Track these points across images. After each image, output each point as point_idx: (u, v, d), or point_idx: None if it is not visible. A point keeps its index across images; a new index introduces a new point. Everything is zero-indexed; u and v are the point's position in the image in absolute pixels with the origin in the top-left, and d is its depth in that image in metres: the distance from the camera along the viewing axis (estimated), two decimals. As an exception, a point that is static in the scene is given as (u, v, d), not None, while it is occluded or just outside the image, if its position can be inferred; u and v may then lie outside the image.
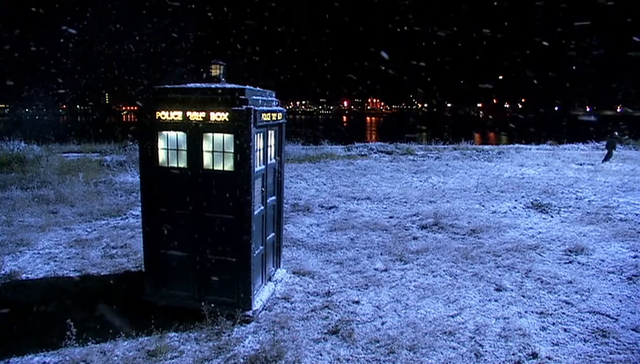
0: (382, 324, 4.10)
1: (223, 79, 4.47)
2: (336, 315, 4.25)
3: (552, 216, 7.67)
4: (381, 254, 5.87)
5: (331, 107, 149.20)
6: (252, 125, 3.87)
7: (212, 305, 4.03)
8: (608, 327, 4.04)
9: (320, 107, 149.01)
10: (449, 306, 4.45)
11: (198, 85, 4.26)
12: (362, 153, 16.18)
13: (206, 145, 4.04)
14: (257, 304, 4.26)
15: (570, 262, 5.60)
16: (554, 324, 4.12)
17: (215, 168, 4.07)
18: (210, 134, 4.01)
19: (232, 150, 3.96)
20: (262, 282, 4.60)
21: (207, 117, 3.94)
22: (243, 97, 3.96)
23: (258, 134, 4.12)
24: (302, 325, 4.06)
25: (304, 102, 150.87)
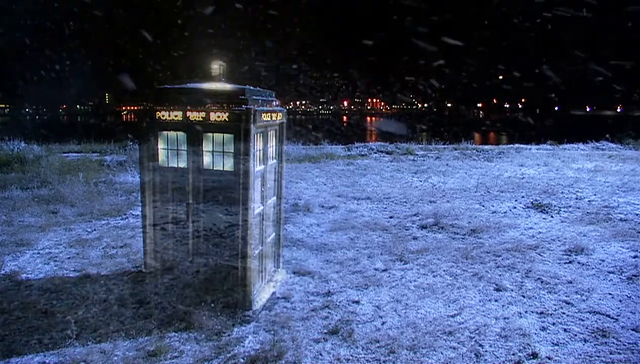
0: (382, 324, 4.10)
1: (223, 79, 4.47)
2: (336, 315, 4.25)
3: (552, 216, 7.67)
4: (381, 254, 5.87)
5: (331, 107, 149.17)
6: (252, 125, 3.88)
7: (212, 305, 4.03)
8: (608, 327, 4.03)
9: (320, 107, 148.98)
10: (449, 306, 4.45)
11: (198, 85, 4.26)
12: (362, 153, 16.17)
13: (206, 145, 4.05)
14: (257, 304, 4.26)
15: (570, 262, 5.60)
16: (554, 324, 4.12)
17: (215, 168, 4.08)
18: (210, 134, 4.02)
19: (232, 150, 3.96)
20: (262, 282, 4.60)
21: (207, 117, 3.95)
22: (243, 97, 3.97)
23: (258, 134, 4.13)
24: (302, 325, 4.06)
25: (304, 102, 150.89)
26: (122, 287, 4.74)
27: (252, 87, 4.25)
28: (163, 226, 4.23)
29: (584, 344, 3.78)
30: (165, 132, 4.12)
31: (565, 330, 4.01)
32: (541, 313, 4.32)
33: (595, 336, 3.90)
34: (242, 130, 3.87)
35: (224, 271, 4.15)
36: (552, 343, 3.80)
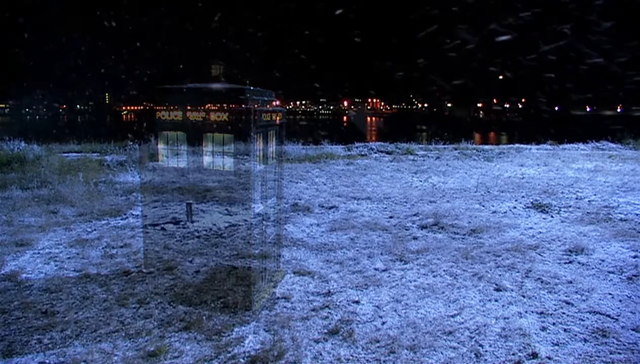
0: (383, 324, 4.10)
1: (223, 79, 4.47)
2: (336, 315, 4.25)
3: (552, 216, 7.67)
4: (381, 254, 5.87)
5: (331, 107, 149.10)
6: (252, 126, 3.88)
7: (212, 305, 4.04)
8: (608, 327, 4.03)
9: (320, 106, 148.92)
10: (449, 306, 4.45)
11: (198, 85, 4.27)
12: (362, 153, 16.16)
13: (206, 145, 4.05)
14: (257, 304, 4.26)
15: (570, 262, 5.60)
16: (554, 324, 4.12)
17: (215, 168, 4.08)
18: (210, 134, 4.02)
19: (232, 150, 3.97)
20: (262, 282, 4.60)
21: (207, 117, 3.95)
22: (243, 97, 3.97)
23: (258, 134, 4.13)
24: (302, 325, 4.06)
25: (304, 102, 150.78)
26: (122, 287, 4.74)
27: (252, 87, 4.25)
28: (163, 226, 4.23)
29: (584, 344, 3.78)
30: (165, 132, 4.13)
31: (565, 330, 4.01)
32: (541, 313, 4.32)
33: (595, 336, 3.90)
34: (242, 131, 3.87)
35: (224, 271, 4.16)
36: (552, 343, 3.80)
